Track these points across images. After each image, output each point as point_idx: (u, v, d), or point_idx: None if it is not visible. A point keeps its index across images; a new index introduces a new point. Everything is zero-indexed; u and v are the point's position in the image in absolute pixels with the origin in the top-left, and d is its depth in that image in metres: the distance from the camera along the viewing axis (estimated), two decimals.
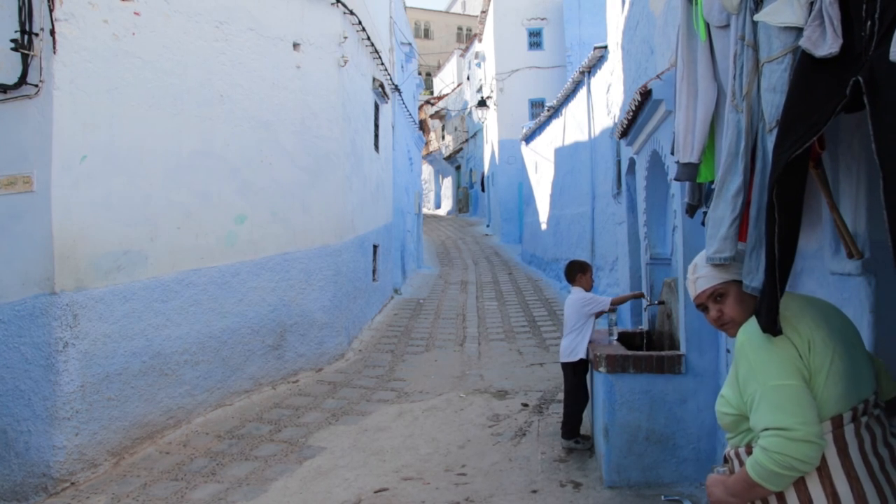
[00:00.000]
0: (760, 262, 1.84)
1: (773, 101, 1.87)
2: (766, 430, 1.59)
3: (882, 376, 1.76)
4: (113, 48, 5.21)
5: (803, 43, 1.62)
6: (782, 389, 1.60)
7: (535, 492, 4.25)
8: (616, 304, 5.10)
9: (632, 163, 6.49)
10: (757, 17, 1.93)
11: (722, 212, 2.19)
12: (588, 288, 5.14)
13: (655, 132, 4.84)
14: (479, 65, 25.34)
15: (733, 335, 1.82)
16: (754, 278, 1.86)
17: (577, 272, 5.16)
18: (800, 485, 1.62)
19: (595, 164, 10.88)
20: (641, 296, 5.37)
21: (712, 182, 2.89)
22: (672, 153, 3.48)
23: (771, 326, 1.64)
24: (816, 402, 1.59)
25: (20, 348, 4.69)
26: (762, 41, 1.98)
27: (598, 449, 4.60)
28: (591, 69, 10.83)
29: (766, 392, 1.62)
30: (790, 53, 1.80)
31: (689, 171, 2.96)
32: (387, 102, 11.63)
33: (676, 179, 3.14)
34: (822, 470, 1.59)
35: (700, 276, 1.94)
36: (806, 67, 1.63)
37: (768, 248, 1.68)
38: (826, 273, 2.22)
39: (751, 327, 1.73)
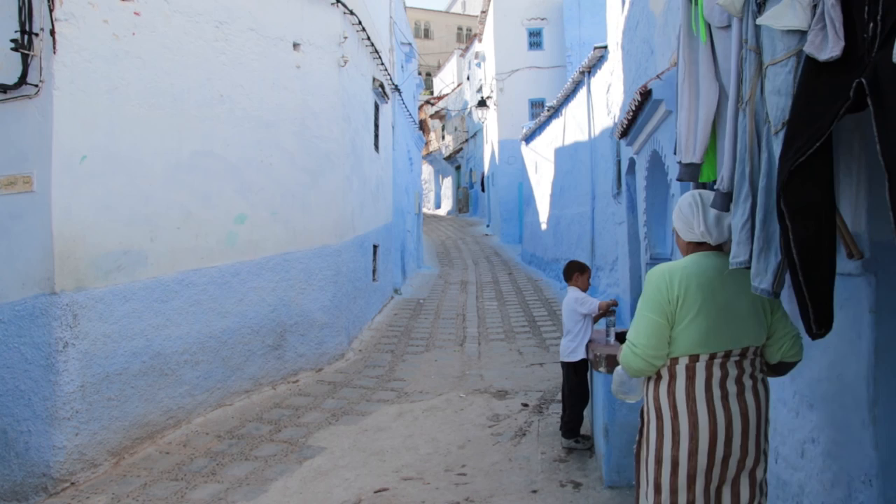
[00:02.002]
0: (769, 264, 1.86)
1: (777, 103, 1.87)
2: (627, 341, 2.31)
3: (786, 342, 2.28)
4: (113, 48, 5.21)
5: (807, 48, 1.62)
6: (645, 318, 2.25)
7: (535, 492, 4.25)
8: (601, 308, 4.95)
9: (632, 163, 6.50)
10: (759, 21, 1.93)
11: (738, 218, 2.19)
12: (583, 289, 5.12)
13: (655, 132, 4.84)
14: (479, 65, 25.35)
15: None
16: (763, 280, 1.88)
17: (575, 272, 5.15)
18: (656, 393, 2.28)
19: (595, 164, 10.88)
20: (615, 304, 5.18)
21: (713, 182, 2.90)
22: (675, 153, 3.47)
23: (809, 331, 1.76)
24: (674, 337, 2.22)
25: (20, 348, 4.69)
26: (765, 44, 1.98)
27: (598, 449, 4.60)
28: (591, 69, 10.83)
29: (637, 316, 2.30)
30: (794, 56, 1.80)
31: (691, 172, 2.96)
32: (387, 102, 11.62)
33: (679, 180, 3.15)
34: (671, 387, 2.24)
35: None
36: (810, 72, 1.64)
37: (787, 254, 1.69)
38: None
39: (653, 271, 2.34)
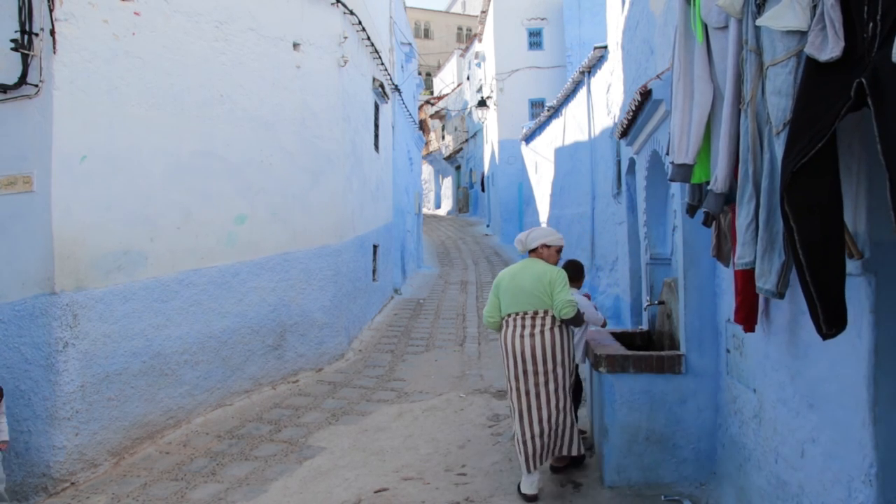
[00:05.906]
0: (773, 265, 1.86)
1: (778, 104, 1.86)
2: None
3: (558, 307, 3.96)
4: (113, 48, 5.21)
5: (807, 49, 1.61)
6: (491, 297, 4.25)
7: None
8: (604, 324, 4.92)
9: (632, 163, 6.50)
10: (759, 22, 1.93)
11: (742, 219, 2.18)
12: (577, 288, 5.07)
13: (655, 132, 4.84)
14: (479, 65, 25.33)
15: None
16: (767, 280, 1.87)
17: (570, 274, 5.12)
18: (499, 335, 4.22)
19: (595, 164, 10.88)
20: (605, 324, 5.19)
21: (706, 182, 2.90)
22: (667, 154, 3.48)
23: (819, 330, 1.78)
24: (500, 305, 4.16)
25: (20, 348, 4.69)
26: (766, 45, 1.98)
27: (597, 449, 4.60)
28: (591, 69, 10.82)
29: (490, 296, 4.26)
30: (794, 56, 1.80)
31: (683, 172, 2.96)
32: (387, 102, 11.62)
33: (671, 180, 3.15)
34: (501, 331, 4.17)
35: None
36: (811, 73, 1.63)
37: (793, 255, 1.69)
38: None
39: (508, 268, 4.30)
